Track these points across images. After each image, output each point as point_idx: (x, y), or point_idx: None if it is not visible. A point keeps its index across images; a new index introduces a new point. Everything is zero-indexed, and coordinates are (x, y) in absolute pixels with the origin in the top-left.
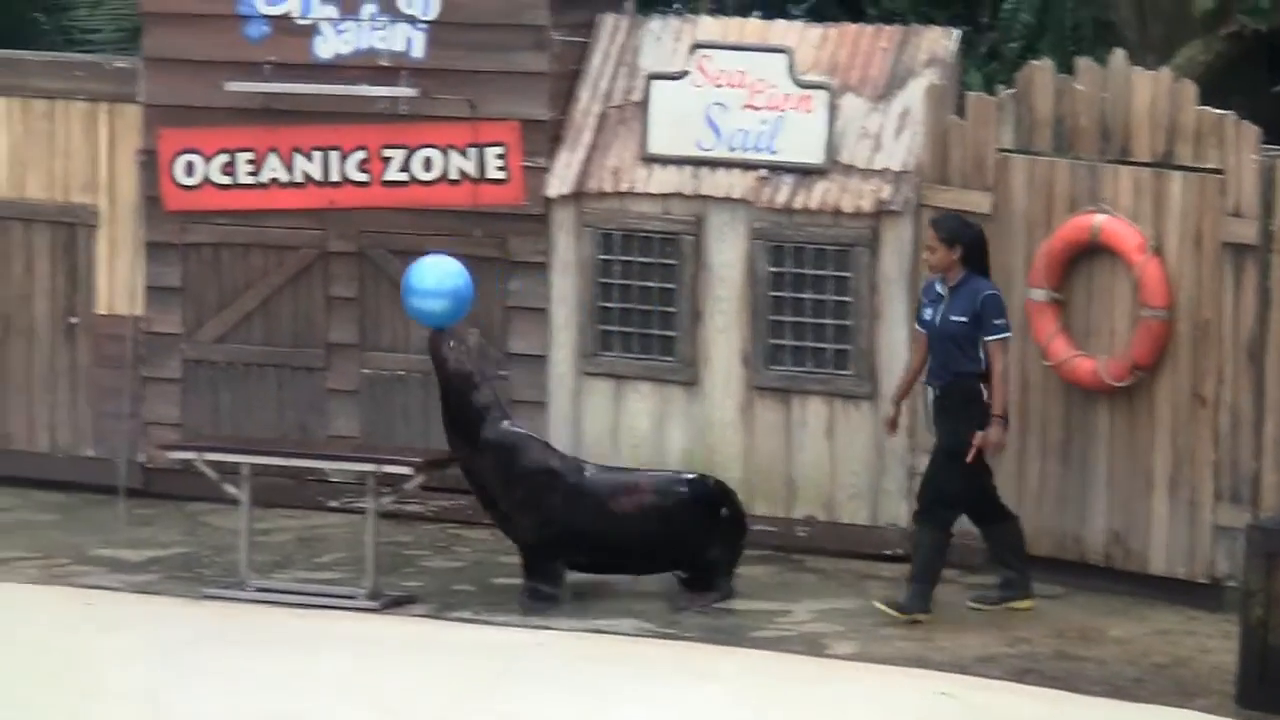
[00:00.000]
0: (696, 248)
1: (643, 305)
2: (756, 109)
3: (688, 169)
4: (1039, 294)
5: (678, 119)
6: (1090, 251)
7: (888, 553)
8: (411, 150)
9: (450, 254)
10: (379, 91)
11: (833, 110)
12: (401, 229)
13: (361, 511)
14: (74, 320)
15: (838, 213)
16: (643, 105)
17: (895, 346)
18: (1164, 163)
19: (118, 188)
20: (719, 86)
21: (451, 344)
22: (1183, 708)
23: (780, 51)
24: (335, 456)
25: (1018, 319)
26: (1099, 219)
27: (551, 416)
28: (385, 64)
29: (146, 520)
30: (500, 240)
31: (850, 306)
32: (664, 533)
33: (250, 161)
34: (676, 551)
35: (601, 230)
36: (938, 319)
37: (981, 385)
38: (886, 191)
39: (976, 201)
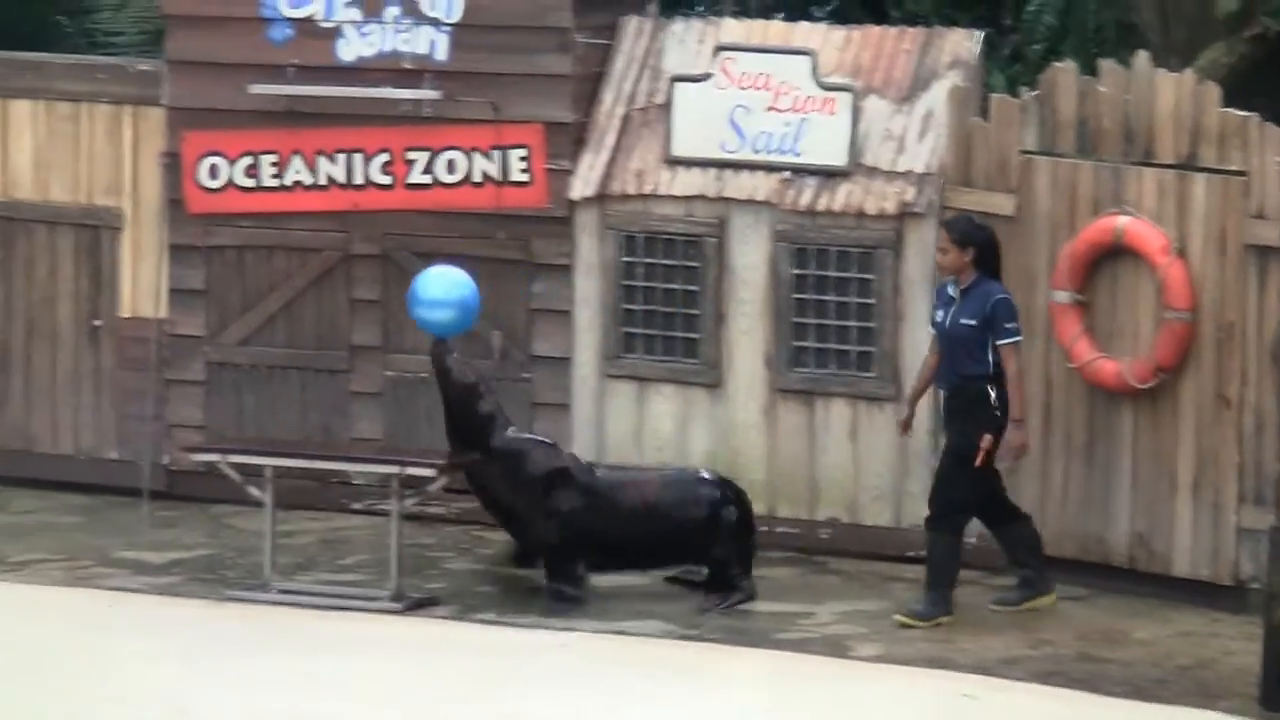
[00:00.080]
0: (720, 250)
1: (666, 307)
2: (780, 111)
3: (711, 171)
4: (1062, 296)
5: (701, 121)
6: (1114, 253)
7: (911, 554)
8: (435, 153)
9: (474, 256)
10: (402, 94)
11: (856, 112)
12: (425, 231)
13: (385, 513)
14: (98, 323)
15: (861, 215)
16: (666, 107)
17: (918, 348)
18: (1187, 165)
19: (141, 190)
20: (742, 89)
21: (455, 355)
22: (1206, 709)
23: (804, 54)
24: (358, 459)
25: (1041, 321)
26: (1122, 221)
27: (575, 419)
28: (408, 66)
29: (170, 522)
30: (523, 243)
31: (873, 308)
32: (670, 528)
33: (274, 164)
34: (682, 546)
35: (625, 232)
36: (948, 321)
37: (989, 388)
38: (910, 193)
39: (1000, 203)
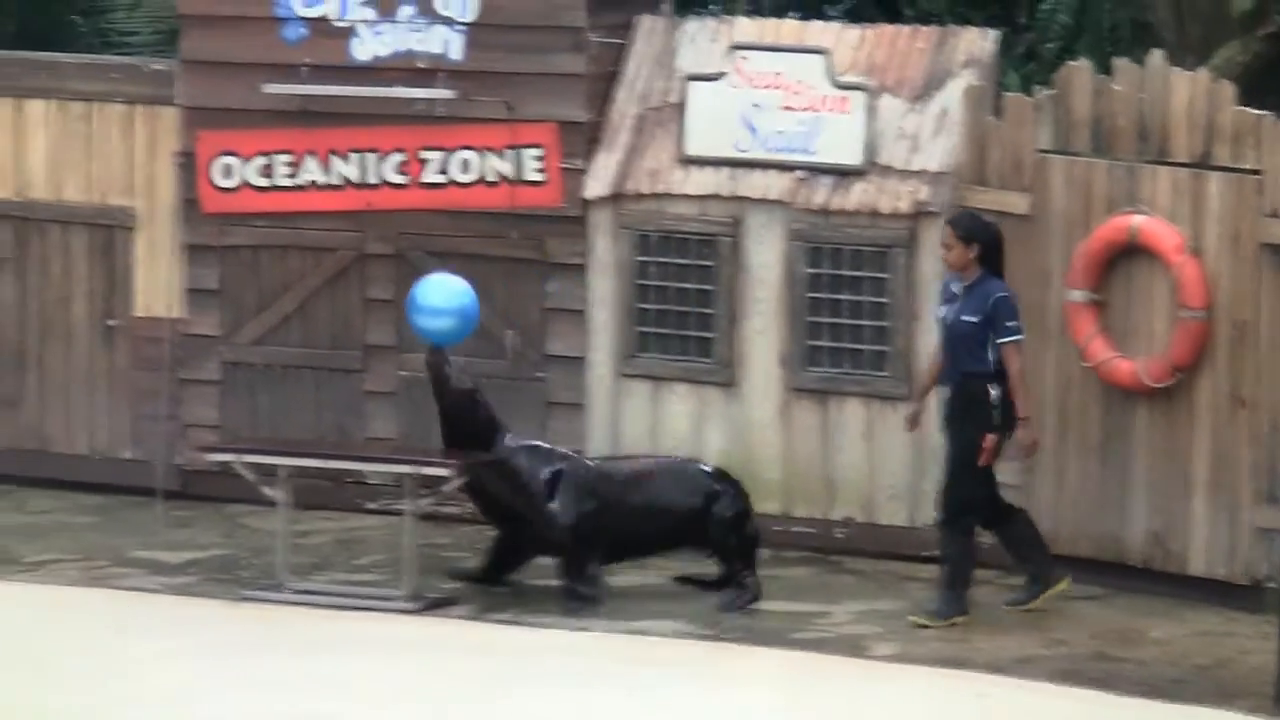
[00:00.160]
0: (734, 249)
1: (680, 307)
2: (794, 110)
3: (725, 170)
4: (1077, 295)
5: (715, 120)
6: (1129, 252)
7: (926, 554)
8: (449, 152)
9: (488, 256)
10: (416, 93)
11: (870, 111)
12: (439, 231)
13: (400, 513)
14: (112, 323)
15: (875, 214)
16: (680, 107)
17: (933, 347)
18: (1202, 163)
19: (155, 190)
20: (757, 88)
21: (451, 362)
22: (1222, 709)
23: (818, 52)
24: (373, 458)
25: (1056, 321)
26: (1137, 220)
27: (589, 418)
28: (423, 66)
29: (185, 522)
30: (538, 242)
31: (888, 308)
32: (668, 517)
33: (288, 164)
34: (679, 533)
35: (639, 232)
36: (950, 318)
37: (989, 387)
38: (924, 192)
39: (1014, 202)
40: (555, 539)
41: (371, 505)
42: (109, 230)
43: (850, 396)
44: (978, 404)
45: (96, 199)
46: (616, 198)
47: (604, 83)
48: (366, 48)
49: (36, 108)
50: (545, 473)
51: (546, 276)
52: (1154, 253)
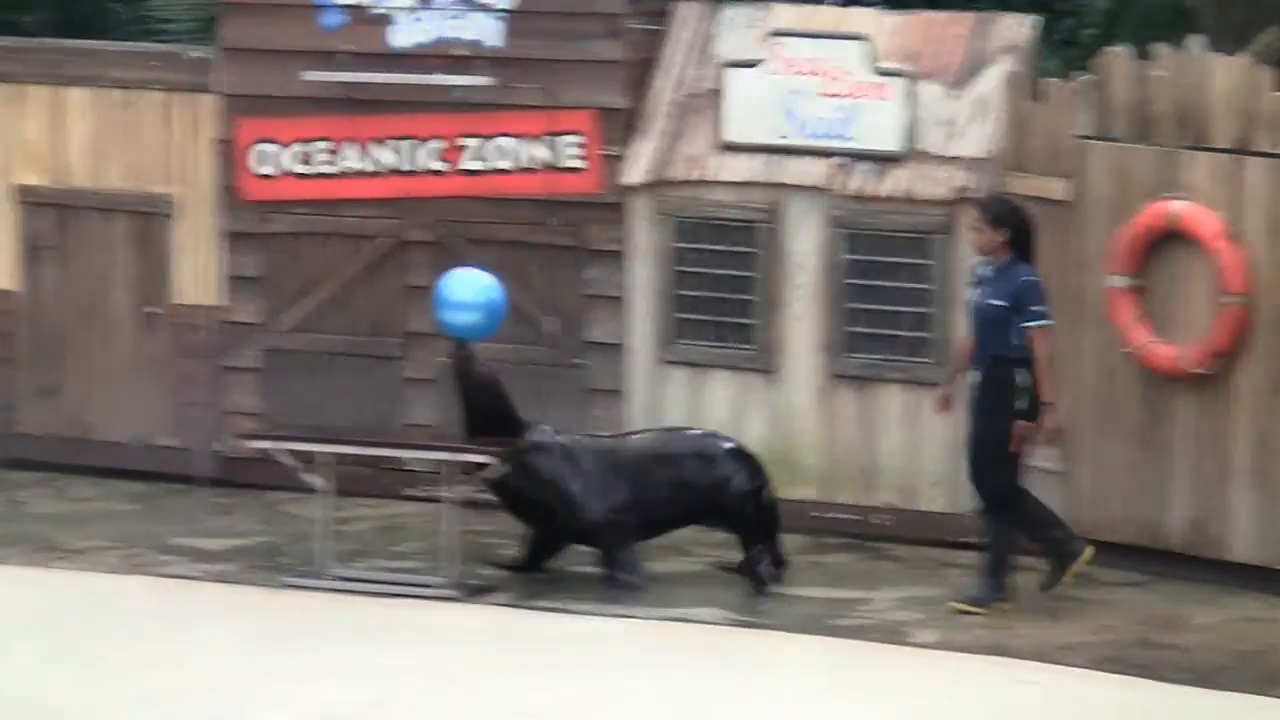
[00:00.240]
0: (773, 235)
1: (720, 293)
2: (833, 96)
3: (764, 157)
4: (1118, 280)
5: (754, 107)
6: (1169, 238)
7: (967, 540)
8: (488, 139)
9: (527, 242)
10: (455, 80)
11: (909, 97)
12: (478, 218)
13: (440, 500)
14: (153, 310)
15: (914, 200)
16: (719, 93)
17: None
18: (1241, 149)
19: (195, 178)
20: (795, 74)
21: (475, 356)
22: (1267, 695)
23: (857, 39)
24: (414, 445)
25: (1096, 306)
26: (1176, 205)
27: (629, 405)
28: (461, 53)
29: (226, 509)
30: (577, 229)
31: (927, 293)
32: (688, 489)
33: (327, 151)
34: (692, 505)
35: (678, 218)
36: (978, 302)
37: (1016, 371)
38: (963, 178)
39: (1053, 188)
40: (588, 530)
41: (412, 492)
42: (148, 218)
43: (890, 383)
44: (1005, 388)
45: (136, 186)
46: (655, 184)
47: (642, 69)
48: (405, 35)
49: (76, 95)
50: (576, 458)
51: (585, 263)
52: (1193, 238)
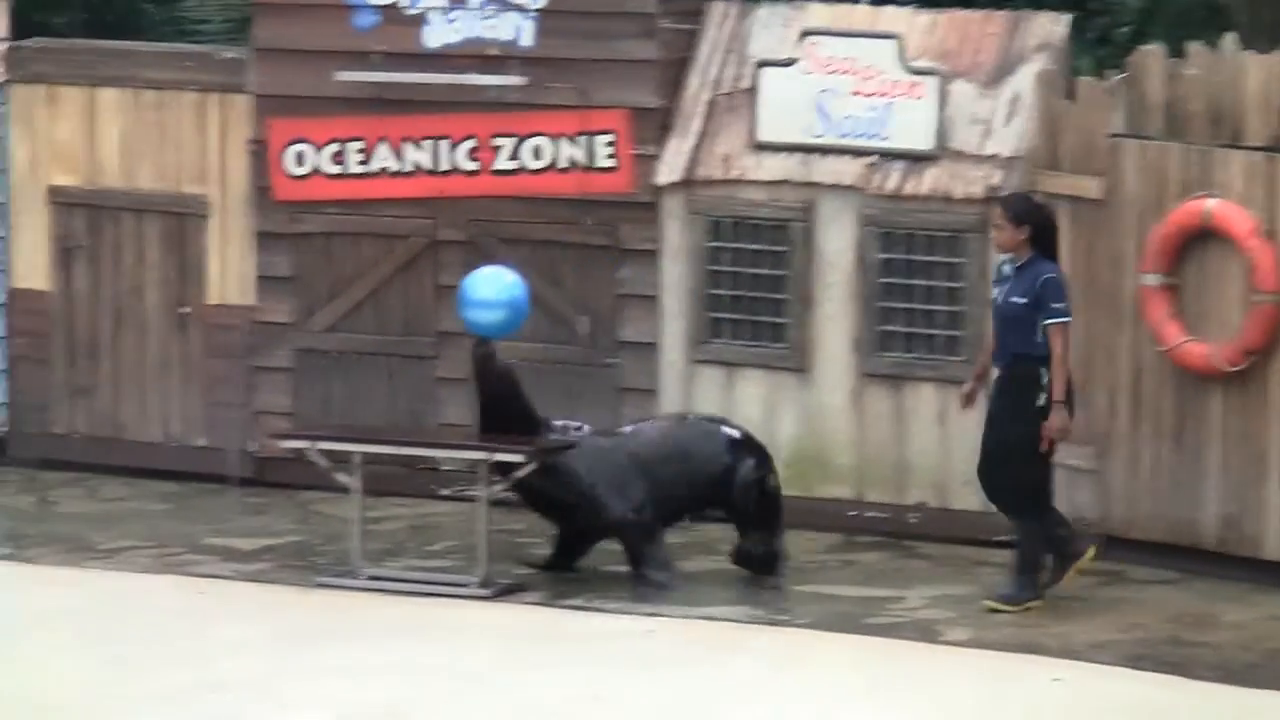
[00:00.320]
0: (806, 234)
1: (753, 292)
2: (866, 95)
3: (797, 156)
4: (1151, 279)
5: (787, 106)
6: (1202, 236)
7: (999, 539)
8: (521, 139)
9: (560, 242)
10: (488, 80)
11: (943, 96)
12: (511, 217)
13: (473, 499)
14: (185, 310)
15: (948, 199)
16: (752, 92)
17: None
18: (1275, 147)
19: (228, 178)
20: (828, 73)
21: (497, 354)
22: None
23: (890, 38)
24: (446, 445)
25: (1129, 305)
26: (1210, 204)
27: (662, 404)
28: (494, 53)
29: (258, 509)
30: (610, 228)
31: (960, 292)
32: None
33: (360, 151)
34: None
35: (711, 217)
36: (1000, 299)
37: (1042, 369)
38: (997, 177)
39: (1087, 187)
40: (614, 529)
41: (444, 491)
42: (181, 218)
43: (923, 382)
44: (1028, 386)
45: (169, 187)
46: (688, 184)
47: (675, 69)
48: (438, 35)
49: (109, 96)
50: (598, 455)
51: (618, 263)
52: (1227, 237)
